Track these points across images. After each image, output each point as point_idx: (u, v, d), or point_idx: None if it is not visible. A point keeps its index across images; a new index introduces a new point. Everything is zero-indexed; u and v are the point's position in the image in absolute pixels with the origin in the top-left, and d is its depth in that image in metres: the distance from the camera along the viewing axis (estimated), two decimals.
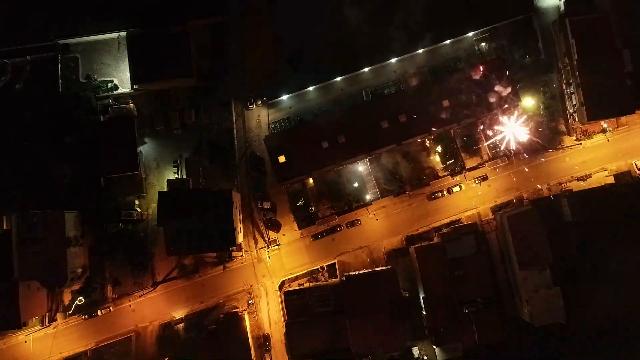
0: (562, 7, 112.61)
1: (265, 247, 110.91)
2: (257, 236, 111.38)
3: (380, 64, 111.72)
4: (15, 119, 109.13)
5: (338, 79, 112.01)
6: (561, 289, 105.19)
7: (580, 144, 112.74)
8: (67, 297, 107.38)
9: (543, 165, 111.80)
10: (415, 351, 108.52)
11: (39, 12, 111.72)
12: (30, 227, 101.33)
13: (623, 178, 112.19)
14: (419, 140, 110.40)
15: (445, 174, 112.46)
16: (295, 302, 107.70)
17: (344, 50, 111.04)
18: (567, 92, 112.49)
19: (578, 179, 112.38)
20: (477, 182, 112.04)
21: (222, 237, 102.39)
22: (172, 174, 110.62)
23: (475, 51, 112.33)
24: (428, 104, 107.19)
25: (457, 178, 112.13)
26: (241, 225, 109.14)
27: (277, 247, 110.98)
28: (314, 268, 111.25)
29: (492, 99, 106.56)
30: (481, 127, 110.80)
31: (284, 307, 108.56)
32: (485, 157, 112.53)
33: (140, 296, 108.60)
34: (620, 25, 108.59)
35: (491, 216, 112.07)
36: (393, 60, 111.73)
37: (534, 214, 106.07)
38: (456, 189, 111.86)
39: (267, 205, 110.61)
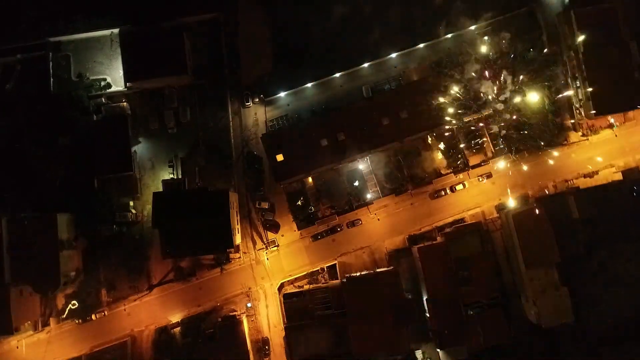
0: None
1: (263, 248, 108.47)
2: (256, 237, 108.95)
3: (380, 59, 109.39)
4: (5, 120, 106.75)
5: (337, 75, 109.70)
6: (569, 289, 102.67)
7: (587, 139, 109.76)
8: (60, 302, 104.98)
9: (548, 162, 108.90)
10: (419, 354, 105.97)
11: (30, 9, 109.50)
12: (21, 230, 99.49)
13: (631, 174, 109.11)
14: (420, 137, 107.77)
15: (448, 171, 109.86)
16: (295, 304, 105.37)
17: (343, 45, 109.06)
18: (572, 86, 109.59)
19: (585, 176, 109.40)
20: (481, 179, 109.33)
21: (219, 239, 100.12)
22: (167, 174, 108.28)
23: (478, 45, 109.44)
24: (429, 100, 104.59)
25: (461, 176, 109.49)
26: (239, 226, 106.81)
27: (275, 248, 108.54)
28: (314, 269, 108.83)
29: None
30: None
31: (284, 310, 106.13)
32: (489, 154, 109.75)
33: (135, 300, 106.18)
34: (628, 16, 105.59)
35: (496, 215, 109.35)
36: (393, 55, 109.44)
37: (540, 212, 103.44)
38: (459, 187, 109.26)
39: (265, 205, 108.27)
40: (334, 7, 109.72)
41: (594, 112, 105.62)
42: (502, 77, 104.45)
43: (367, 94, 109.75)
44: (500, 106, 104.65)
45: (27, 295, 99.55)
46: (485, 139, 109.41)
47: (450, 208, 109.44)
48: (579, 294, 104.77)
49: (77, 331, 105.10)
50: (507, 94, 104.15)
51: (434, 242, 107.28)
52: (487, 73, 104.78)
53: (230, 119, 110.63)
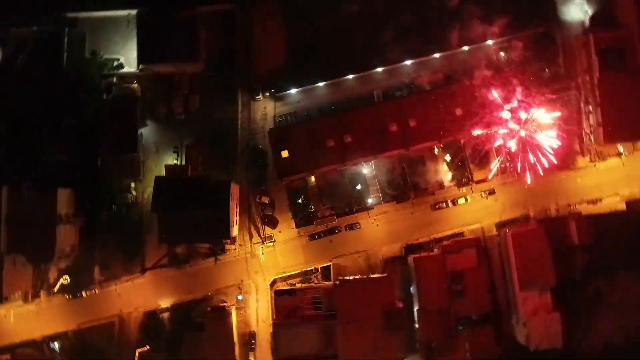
0: (587, 22, 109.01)
1: (260, 242, 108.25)
2: (253, 231, 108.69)
3: (394, 65, 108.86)
4: (15, 92, 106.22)
5: (350, 76, 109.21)
6: (561, 314, 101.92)
7: (594, 165, 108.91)
8: (52, 275, 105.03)
9: (553, 185, 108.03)
10: None
11: None
12: (21, 201, 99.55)
13: (635, 205, 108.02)
14: (427, 146, 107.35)
15: (452, 184, 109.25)
16: (286, 302, 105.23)
17: (358, 48, 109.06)
18: (585, 110, 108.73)
19: (588, 202, 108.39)
20: (483, 195, 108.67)
21: (217, 229, 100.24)
22: (171, 160, 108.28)
23: (494, 60, 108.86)
24: (440, 111, 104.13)
25: (464, 189, 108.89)
26: (237, 218, 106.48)
27: (272, 243, 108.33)
28: (308, 269, 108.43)
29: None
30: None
31: (274, 306, 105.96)
32: (495, 171, 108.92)
33: (127, 281, 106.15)
34: None
35: (495, 232, 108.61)
36: (407, 62, 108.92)
37: (539, 233, 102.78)
38: (461, 200, 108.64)
39: (265, 200, 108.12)
40: (351, 7, 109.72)
41: (603, 138, 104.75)
42: (511, 86, 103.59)
43: (378, 98, 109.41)
44: (506, 115, 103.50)
45: (20, 266, 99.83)
46: (491, 155, 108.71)
47: (451, 221, 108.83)
48: (571, 320, 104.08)
49: (67, 306, 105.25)
50: (515, 103, 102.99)
51: (431, 253, 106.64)
52: (495, 79, 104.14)
53: (239, 111, 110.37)
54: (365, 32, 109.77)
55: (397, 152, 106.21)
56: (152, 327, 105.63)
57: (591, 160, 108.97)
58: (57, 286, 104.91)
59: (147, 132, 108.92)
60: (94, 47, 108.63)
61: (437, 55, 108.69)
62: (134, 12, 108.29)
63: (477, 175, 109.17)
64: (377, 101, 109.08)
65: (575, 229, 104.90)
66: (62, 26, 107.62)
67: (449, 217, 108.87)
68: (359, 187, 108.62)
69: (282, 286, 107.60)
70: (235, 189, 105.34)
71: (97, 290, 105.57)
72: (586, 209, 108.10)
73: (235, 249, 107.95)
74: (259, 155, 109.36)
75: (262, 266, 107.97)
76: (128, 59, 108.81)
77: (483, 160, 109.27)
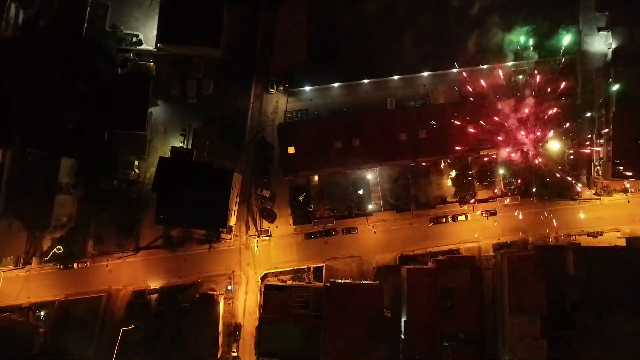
0: (610, 56, 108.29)
1: (255, 235, 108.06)
2: (250, 223, 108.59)
3: (410, 75, 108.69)
4: (32, 55, 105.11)
5: (365, 81, 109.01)
6: (548, 342, 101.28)
7: (599, 199, 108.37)
8: (46, 244, 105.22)
9: (555, 213, 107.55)
10: None
11: None
12: (24, 166, 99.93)
13: (635, 243, 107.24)
14: (434, 160, 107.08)
15: (454, 200, 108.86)
16: (275, 297, 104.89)
17: (378, 54, 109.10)
18: (596, 143, 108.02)
19: (588, 234, 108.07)
20: (484, 215, 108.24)
21: (215, 216, 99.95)
22: (177, 142, 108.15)
23: (511, 82, 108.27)
24: (451, 126, 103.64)
25: (465, 207, 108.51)
26: (236, 208, 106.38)
27: (267, 237, 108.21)
28: (301, 267, 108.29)
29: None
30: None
31: (262, 301, 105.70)
32: (499, 192, 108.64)
33: (119, 258, 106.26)
34: None
35: (492, 253, 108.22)
36: (425, 73, 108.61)
37: (536, 260, 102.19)
38: (462, 217, 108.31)
39: (266, 193, 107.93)
40: (373, 7, 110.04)
41: (611, 173, 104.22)
42: (523, 101, 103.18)
43: (391, 106, 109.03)
44: (513, 123, 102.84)
45: (15, 230, 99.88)
46: (497, 176, 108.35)
47: (448, 237, 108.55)
48: (557, 350, 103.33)
49: (57, 276, 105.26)
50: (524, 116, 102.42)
51: (425, 266, 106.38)
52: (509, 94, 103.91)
53: (251, 102, 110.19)
54: (385, 36, 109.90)
55: (404, 162, 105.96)
56: (139, 306, 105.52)
57: (596, 194, 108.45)
58: (50, 255, 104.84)
59: (157, 111, 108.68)
60: (115, 20, 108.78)
61: (455, 70, 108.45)
62: None
63: (481, 194, 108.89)
64: (389, 108, 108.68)
65: (572, 260, 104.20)
66: None
67: (447, 232, 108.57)
68: (361, 192, 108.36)
69: (272, 281, 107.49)
70: (237, 179, 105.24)
71: (88, 264, 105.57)
72: (586, 240, 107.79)
73: (231, 238, 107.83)
74: (266, 148, 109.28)
75: (255, 259, 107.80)
76: (147, 36, 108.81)
77: (488, 180, 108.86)
